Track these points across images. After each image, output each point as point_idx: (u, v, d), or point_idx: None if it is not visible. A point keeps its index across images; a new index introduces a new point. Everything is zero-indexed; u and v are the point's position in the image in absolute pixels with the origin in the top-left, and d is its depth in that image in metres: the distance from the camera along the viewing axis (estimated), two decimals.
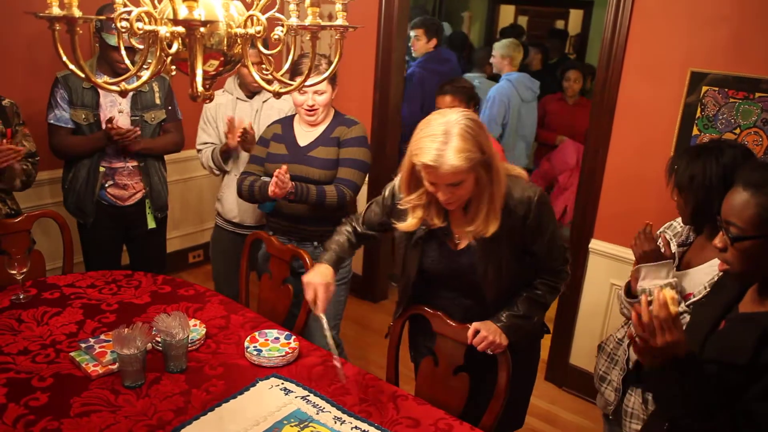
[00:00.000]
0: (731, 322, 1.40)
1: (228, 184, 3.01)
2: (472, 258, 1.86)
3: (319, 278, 1.94)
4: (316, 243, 2.62)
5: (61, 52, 1.16)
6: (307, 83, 1.36)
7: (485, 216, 1.73)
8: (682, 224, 2.03)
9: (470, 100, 2.86)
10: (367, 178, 2.76)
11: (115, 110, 2.88)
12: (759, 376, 1.27)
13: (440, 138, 1.62)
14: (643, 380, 1.45)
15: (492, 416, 1.88)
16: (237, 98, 2.98)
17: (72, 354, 1.94)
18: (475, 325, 1.88)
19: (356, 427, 1.70)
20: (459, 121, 1.64)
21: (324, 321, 1.89)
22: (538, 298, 1.93)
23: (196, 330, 2.09)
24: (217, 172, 3.04)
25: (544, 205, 1.82)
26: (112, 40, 2.70)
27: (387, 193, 2.00)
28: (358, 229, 2.12)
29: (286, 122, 2.70)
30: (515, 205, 1.79)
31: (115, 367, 1.87)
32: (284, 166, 2.39)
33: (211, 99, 1.28)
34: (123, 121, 2.90)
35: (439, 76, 4.14)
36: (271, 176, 2.49)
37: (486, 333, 1.85)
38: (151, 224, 3.11)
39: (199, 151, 3.05)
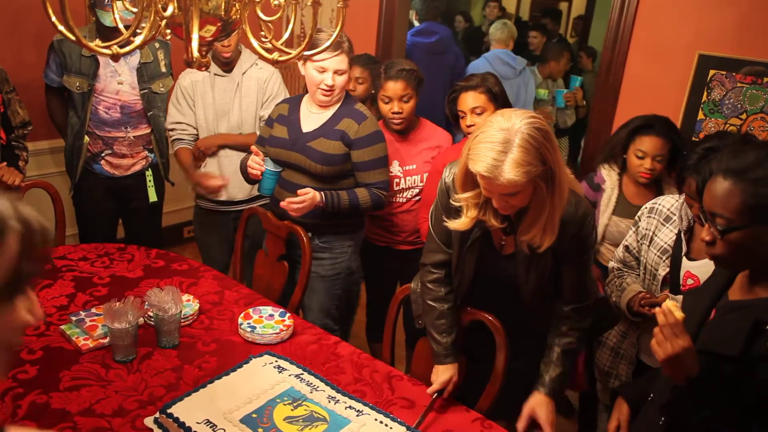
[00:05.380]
0: (722, 310, 1.38)
1: (211, 163, 2.86)
2: (517, 265, 1.76)
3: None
4: (311, 234, 2.44)
5: (51, 13, 1.11)
6: (316, 58, 1.31)
7: (542, 228, 1.62)
8: (668, 207, 1.97)
9: (419, 85, 2.54)
10: None
11: (115, 81, 2.81)
12: (751, 367, 1.24)
13: (499, 147, 1.49)
14: (668, 412, 1.40)
15: (488, 399, 1.86)
16: (214, 74, 2.82)
17: (62, 327, 1.90)
18: (529, 410, 1.77)
19: (350, 407, 1.68)
20: (522, 129, 1.50)
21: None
22: (570, 346, 1.83)
23: (189, 305, 2.06)
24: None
25: (592, 227, 1.75)
26: (107, 19, 2.63)
27: (441, 190, 1.83)
28: (442, 267, 1.88)
29: (294, 102, 2.51)
30: (568, 221, 1.68)
31: (106, 341, 1.84)
32: (306, 189, 2.26)
33: (207, 66, 1.23)
34: (125, 92, 2.83)
35: (421, 51, 4.06)
36: (272, 159, 2.40)
37: (546, 422, 1.74)
38: (153, 197, 3.04)
39: (171, 130, 2.85)
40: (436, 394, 1.75)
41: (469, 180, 1.64)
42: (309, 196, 2.26)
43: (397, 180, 2.61)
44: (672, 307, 1.27)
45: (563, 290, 1.80)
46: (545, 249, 1.65)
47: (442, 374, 1.79)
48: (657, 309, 1.29)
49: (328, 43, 1.43)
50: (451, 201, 1.74)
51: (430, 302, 1.89)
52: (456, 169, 1.70)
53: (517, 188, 1.53)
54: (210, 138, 2.84)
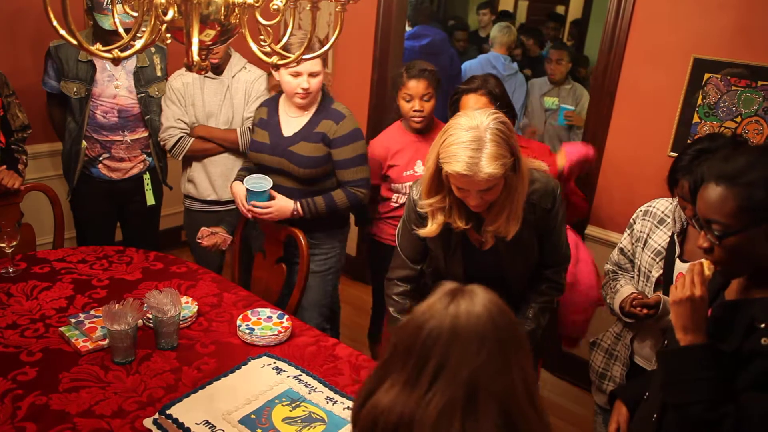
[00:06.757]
0: (718, 309, 1.40)
1: (197, 168, 2.89)
2: (501, 255, 1.81)
3: None
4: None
5: (52, 17, 1.12)
6: (304, 58, 1.33)
7: (507, 217, 1.68)
8: (662, 210, 1.98)
9: (438, 86, 2.58)
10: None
11: (112, 86, 2.83)
12: (745, 363, 1.26)
13: (473, 145, 1.54)
14: (659, 360, 1.44)
15: None
16: (205, 77, 2.81)
17: (61, 329, 1.91)
18: None
19: (348, 408, 1.69)
20: (490, 125, 1.56)
21: None
22: (548, 305, 1.91)
23: (188, 307, 2.07)
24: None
25: (561, 198, 1.81)
26: (106, 22, 2.64)
27: (409, 206, 1.88)
28: (407, 282, 1.96)
29: (272, 105, 2.53)
30: (540, 198, 1.74)
31: (105, 343, 1.85)
32: (270, 202, 2.34)
33: (207, 70, 1.24)
34: (122, 96, 2.84)
35: (413, 54, 4.09)
36: (254, 164, 2.44)
37: None
38: (151, 201, 3.05)
39: (171, 128, 2.80)
40: None
41: (434, 185, 1.69)
42: (273, 208, 2.35)
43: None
44: (705, 262, 1.32)
45: (543, 256, 1.88)
46: (524, 231, 1.72)
47: None
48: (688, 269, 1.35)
49: (324, 49, 1.45)
50: (418, 209, 1.80)
51: (395, 314, 1.95)
52: (414, 190, 1.78)
53: (494, 182, 1.58)
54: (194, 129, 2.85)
